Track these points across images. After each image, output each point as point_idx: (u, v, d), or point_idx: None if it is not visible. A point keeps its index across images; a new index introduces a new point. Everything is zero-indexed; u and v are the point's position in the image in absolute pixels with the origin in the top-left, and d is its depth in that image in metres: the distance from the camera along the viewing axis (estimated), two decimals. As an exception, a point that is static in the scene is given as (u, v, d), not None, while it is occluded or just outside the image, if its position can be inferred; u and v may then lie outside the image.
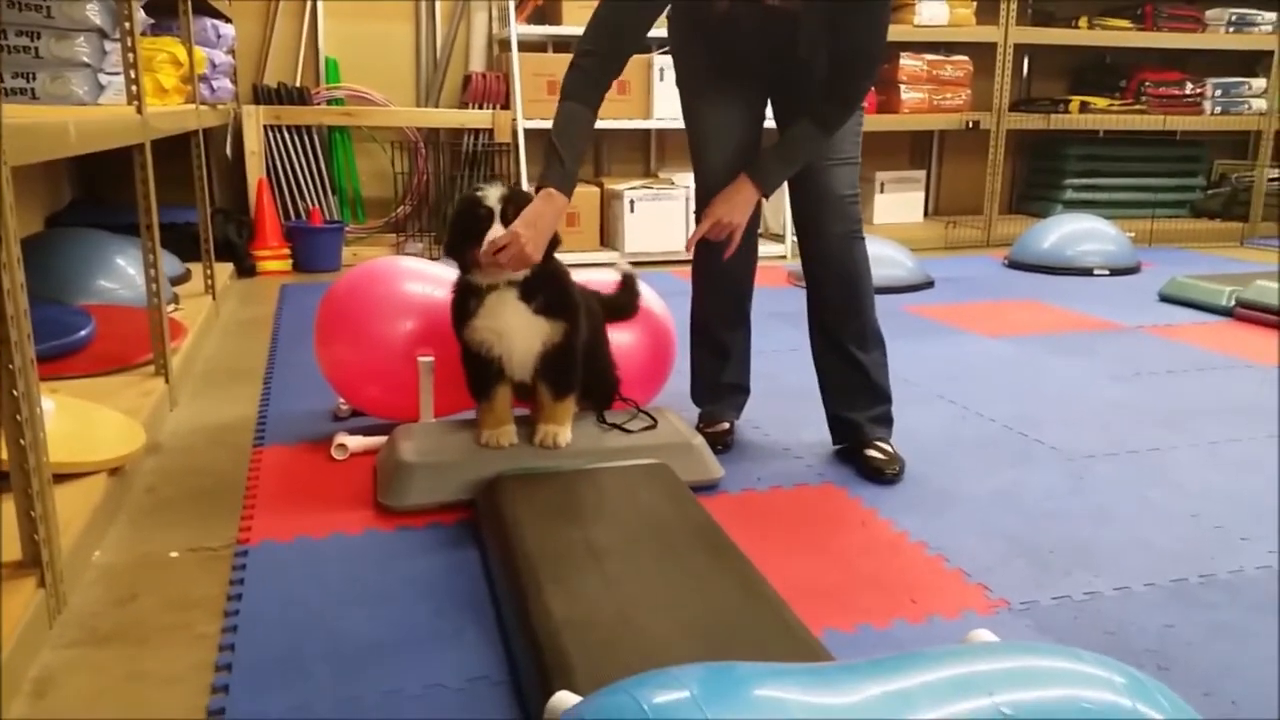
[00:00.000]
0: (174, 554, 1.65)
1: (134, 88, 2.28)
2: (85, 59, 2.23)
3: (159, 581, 1.55)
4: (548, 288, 1.87)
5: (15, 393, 1.37)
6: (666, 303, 2.30)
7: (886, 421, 2.09)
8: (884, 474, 1.97)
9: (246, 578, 1.56)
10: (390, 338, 2.09)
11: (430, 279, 2.16)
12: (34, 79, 2.22)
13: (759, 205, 2.06)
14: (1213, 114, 5.45)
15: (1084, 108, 5.25)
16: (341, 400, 2.30)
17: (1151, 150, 5.63)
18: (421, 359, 2.06)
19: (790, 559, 1.64)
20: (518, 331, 1.85)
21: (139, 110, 2.27)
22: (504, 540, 1.50)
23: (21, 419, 1.38)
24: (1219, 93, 5.45)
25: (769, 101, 2.07)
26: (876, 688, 0.71)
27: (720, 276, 2.14)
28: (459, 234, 1.83)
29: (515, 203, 1.79)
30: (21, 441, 1.39)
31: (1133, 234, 4.70)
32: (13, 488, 1.41)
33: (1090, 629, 1.43)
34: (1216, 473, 2.04)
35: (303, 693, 1.27)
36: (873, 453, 2.02)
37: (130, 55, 2.26)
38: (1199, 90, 5.44)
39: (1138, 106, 5.34)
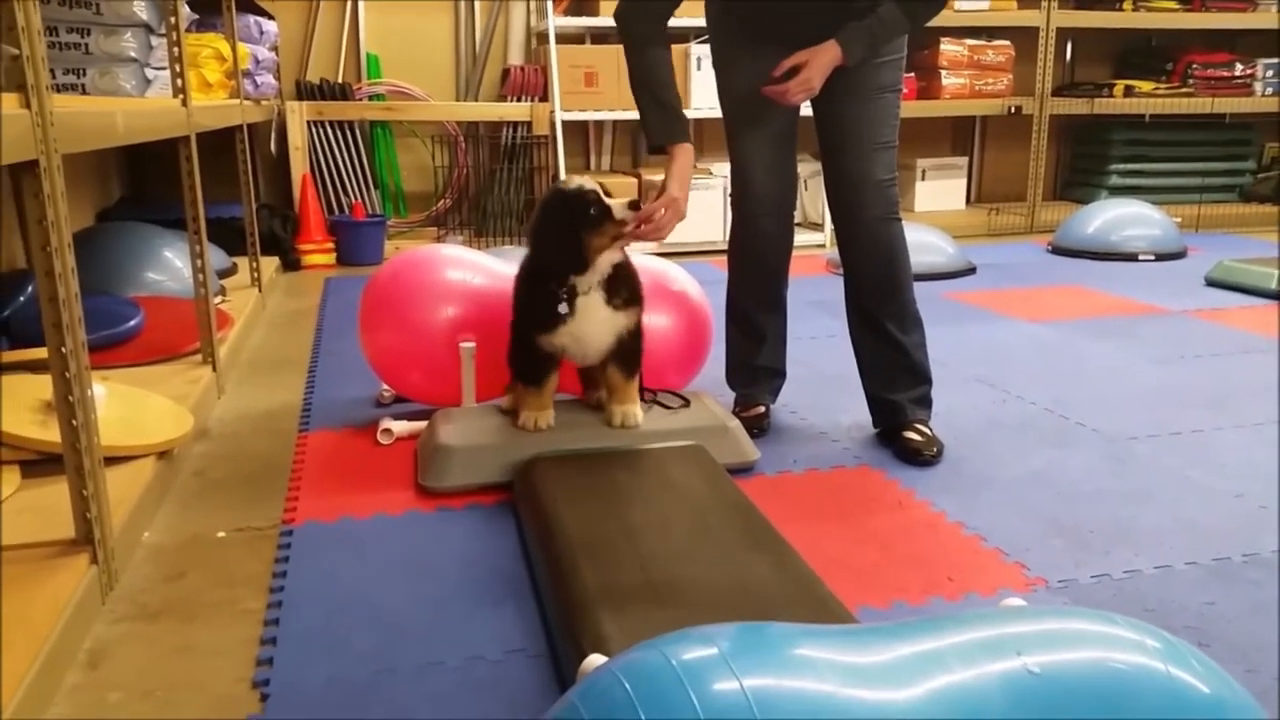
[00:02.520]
0: (221, 534, 1.69)
1: (179, 81, 2.33)
2: (133, 54, 2.29)
3: (206, 560, 1.59)
4: (626, 282, 1.88)
5: (67, 375, 1.41)
6: (706, 291, 2.29)
7: (926, 403, 2.08)
8: (922, 455, 1.97)
9: (291, 556, 1.59)
10: (432, 324, 2.11)
11: (471, 266, 2.19)
12: (84, 74, 2.28)
13: (797, 189, 2.02)
14: (1264, 95, 5.32)
15: (1129, 92, 5.16)
16: (384, 386, 2.33)
17: (1199, 135, 5.51)
18: (463, 345, 2.08)
19: (826, 538, 1.64)
20: (599, 330, 1.85)
21: (184, 103, 2.32)
22: (541, 518, 1.53)
23: (73, 400, 1.42)
24: (1270, 73, 5.32)
25: None
26: (907, 648, 0.71)
27: (755, 260, 2.14)
28: (570, 227, 1.79)
29: (605, 192, 1.82)
30: (74, 422, 1.43)
31: (1179, 219, 4.61)
32: (66, 467, 1.46)
33: (1129, 606, 1.42)
34: (1262, 453, 2.01)
35: (344, 665, 1.30)
36: (911, 434, 2.01)
37: (175, 50, 2.32)
38: (1249, 71, 5.31)
39: (1184, 89, 5.23)
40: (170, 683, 1.27)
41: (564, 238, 1.79)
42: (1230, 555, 1.57)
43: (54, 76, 2.25)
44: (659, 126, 1.91)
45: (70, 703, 1.23)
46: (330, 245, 4.34)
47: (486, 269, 2.18)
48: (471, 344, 2.08)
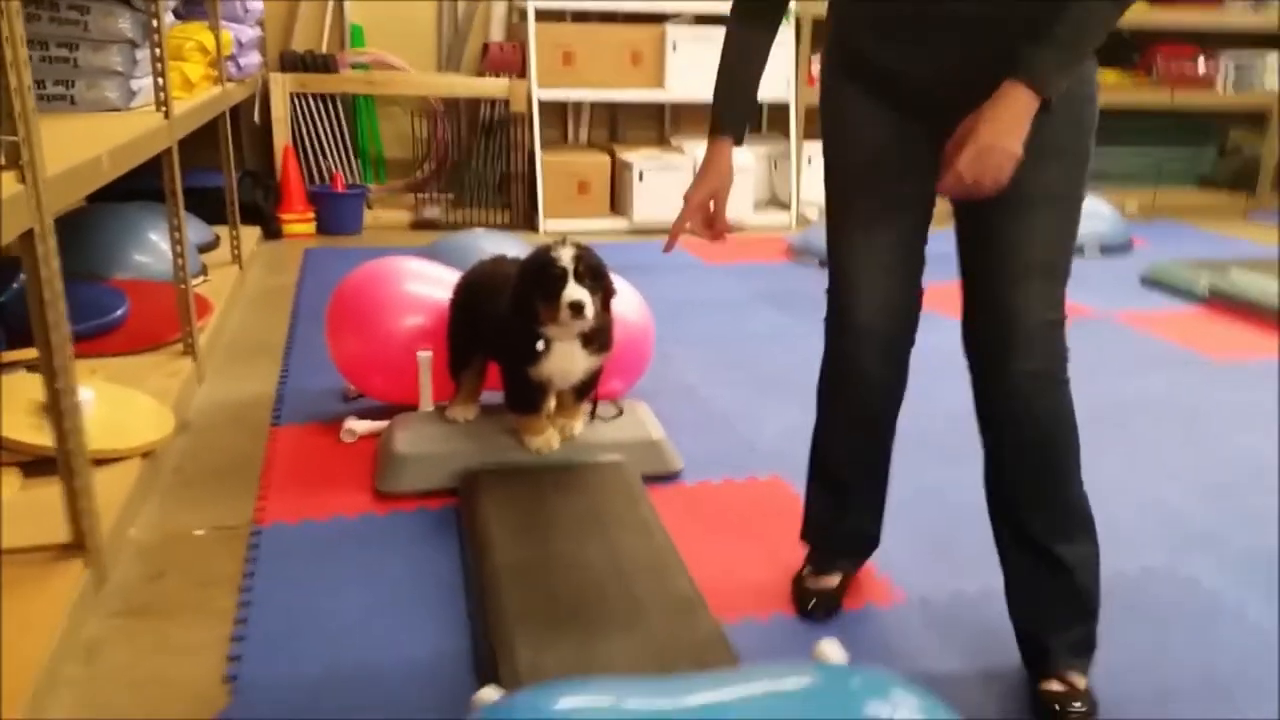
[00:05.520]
0: (198, 532, 1.92)
1: (161, 95, 2.49)
2: (118, 68, 2.46)
3: (185, 559, 1.82)
4: (603, 334, 2.04)
5: (60, 395, 1.61)
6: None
7: (1086, 647, 1.52)
8: (1066, 716, 1.44)
9: (258, 557, 1.82)
10: (393, 333, 2.32)
11: (430, 279, 2.39)
12: (73, 86, 2.45)
13: (917, 318, 1.60)
14: (1225, 91, 5.46)
15: (1092, 80, 5.29)
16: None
17: (1162, 121, 5.65)
18: (420, 354, 2.29)
19: (724, 551, 1.88)
20: (575, 368, 2.03)
21: (166, 115, 2.49)
22: (475, 536, 1.76)
23: (65, 410, 1.63)
24: (1233, 68, 5.46)
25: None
26: (698, 699, 0.95)
27: (851, 409, 1.67)
28: (531, 292, 1.93)
29: (586, 261, 1.93)
30: (67, 445, 1.64)
31: (1134, 206, 4.78)
32: (60, 476, 1.67)
33: (975, 624, 1.66)
34: (1131, 475, 2.24)
35: (301, 662, 1.53)
36: (1056, 686, 1.47)
37: (159, 65, 2.47)
38: (1212, 66, 5.45)
39: (1148, 81, 5.38)
40: (154, 677, 1.50)
41: (522, 298, 1.96)
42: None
43: (44, 87, 2.41)
44: (719, 113, 1.56)
45: (71, 693, 1.46)
46: (311, 215, 4.50)
47: (445, 283, 2.38)
48: (428, 353, 2.29)
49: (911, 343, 1.63)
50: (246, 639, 1.59)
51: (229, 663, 1.53)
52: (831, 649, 1.18)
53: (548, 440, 2.09)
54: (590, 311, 1.90)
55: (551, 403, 2.15)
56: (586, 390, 2.13)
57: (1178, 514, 2.09)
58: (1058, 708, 1.45)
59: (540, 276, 1.93)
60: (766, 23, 1.54)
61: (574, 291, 1.89)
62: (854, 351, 1.60)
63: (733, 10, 1.54)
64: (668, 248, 1.61)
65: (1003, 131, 1.27)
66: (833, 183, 1.58)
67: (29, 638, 1.46)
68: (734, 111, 1.56)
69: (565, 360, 2.02)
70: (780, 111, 4.93)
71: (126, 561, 1.80)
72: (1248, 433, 2.50)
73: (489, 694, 1.10)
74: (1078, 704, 1.45)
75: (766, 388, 2.68)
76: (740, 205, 4.68)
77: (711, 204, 1.58)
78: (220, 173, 3.69)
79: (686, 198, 1.58)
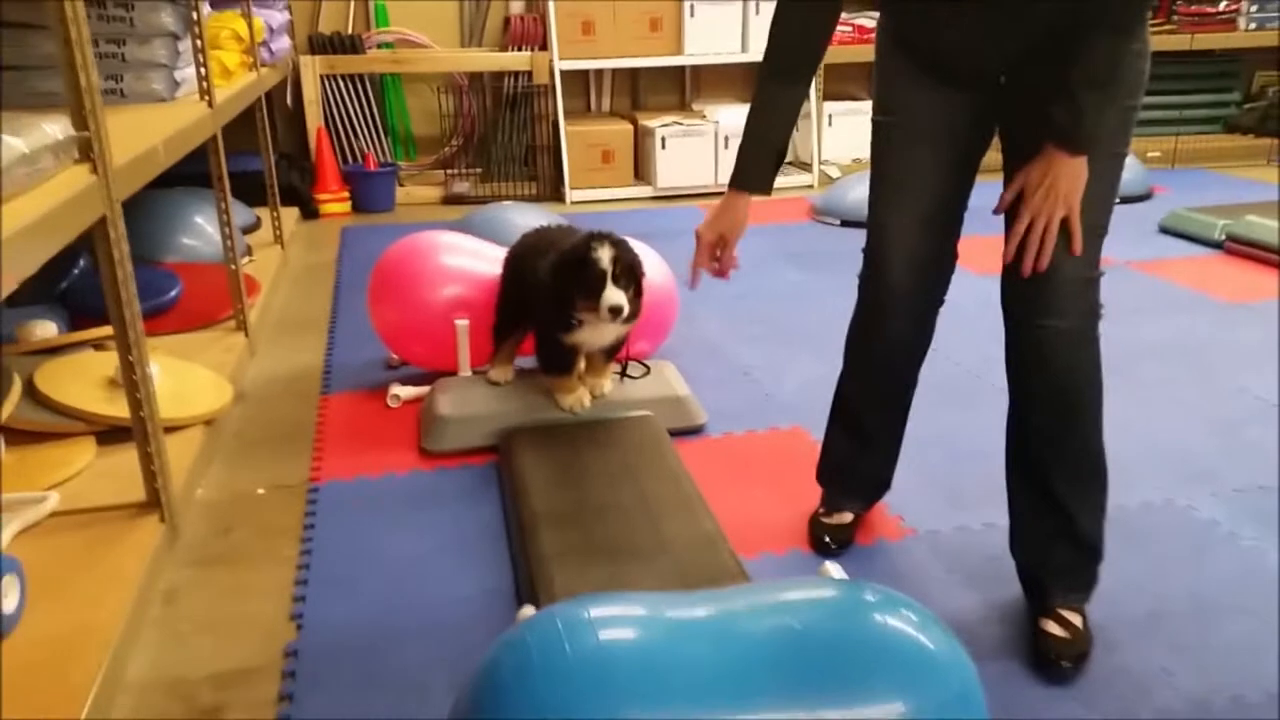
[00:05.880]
0: (260, 491, 2.08)
1: (204, 84, 2.63)
2: (163, 60, 2.60)
3: (249, 514, 1.98)
4: (634, 311, 2.12)
5: (135, 378, 1.77)
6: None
7: (1084, 584, 1.60)
8: (1058, 663, 1.50)
9: (318, 511, 1.98)
10: (432, 303, 2.46)
11: (464, 252, 2.52)
12: (122, 80, 2.60)
13: (949, 280, 1.67)
14: (1247, 30, 5.44)
15: (1112, 29, 5.29)
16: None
17: (1186, 67, 5.63)
18: (458, 322, 2.43)
19: (747, 496, 2.01)
20: (605, 338, 2.17)
21: (210, 104, 2.63)
22: (514, 486, 1.90)
23: (137, 380, 1.78)
24: (1255, 8, 5.43)
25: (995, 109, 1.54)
26: (715, 606, 1.08)
27: (877, 364, 1.77)
28: (570, 287, 2.03)
29: (624, 261, 2.03)
30: (139, 399, 1.79)
31: (1158, 153, 4.78)
32: (135, 442, 1.83)
33: (975, 554, 1.79)
34: (1139, 413, 2.34)
35: (360, 600, 1.69)
36: (1051, 626, 1.54)
37: (200, 56, 2.62)
38: (1234, 7, 5.43)
39: (1168, 26, 5.37)
40: (227, 616, 1.66)
41: (560, 289, 2.07)
42: (1077, 510, 1.92)
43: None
44: (741, 168, 1.61)
45: (155, 631, 1.62)
46: (346, 195, 4.65)
47: (480, 254, 2.51)
48: (465, 321, 2.43)
49: (940, 303, 1.70)
50: (309, 582, 1.74)
51: (294, 603, 1.69)
52: (834, 570, 1.31)
53: (579, 399, 2.22)
54: (627, 311, 2.02)
55: (582, 364, 2.29)
56: (615, 351, 2.26)
57: (1179, 450, 2.19)
58: (1054, 654, 1.51)
59: (579, 275, 2.03)
60: (799, 78, 1.56)
61: (612, 295, 2.00)
62: (882, 307, 1.68)
63: (764, 65, 1.56)
64: (693, 284, 1.71)
65: (1056, 192, 1.40)
66: (876, 144, 1.63)
67: (115, 584, 1.63)
68: (759, 167, 1.59)
69: (597, 332, 2.15)
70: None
71: (196, 519, 1.97)
72: (1251, 371, 2.59)
73: (528, 610, 1.24)
74: (1073, 648, 1.52)
75: (787, 344, 2.79)
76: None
77: (721, 243, 1.66)
78: (257, 156, 3.84)
79: (698, 234, 1.66)
